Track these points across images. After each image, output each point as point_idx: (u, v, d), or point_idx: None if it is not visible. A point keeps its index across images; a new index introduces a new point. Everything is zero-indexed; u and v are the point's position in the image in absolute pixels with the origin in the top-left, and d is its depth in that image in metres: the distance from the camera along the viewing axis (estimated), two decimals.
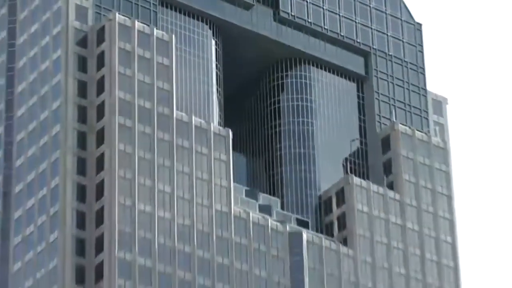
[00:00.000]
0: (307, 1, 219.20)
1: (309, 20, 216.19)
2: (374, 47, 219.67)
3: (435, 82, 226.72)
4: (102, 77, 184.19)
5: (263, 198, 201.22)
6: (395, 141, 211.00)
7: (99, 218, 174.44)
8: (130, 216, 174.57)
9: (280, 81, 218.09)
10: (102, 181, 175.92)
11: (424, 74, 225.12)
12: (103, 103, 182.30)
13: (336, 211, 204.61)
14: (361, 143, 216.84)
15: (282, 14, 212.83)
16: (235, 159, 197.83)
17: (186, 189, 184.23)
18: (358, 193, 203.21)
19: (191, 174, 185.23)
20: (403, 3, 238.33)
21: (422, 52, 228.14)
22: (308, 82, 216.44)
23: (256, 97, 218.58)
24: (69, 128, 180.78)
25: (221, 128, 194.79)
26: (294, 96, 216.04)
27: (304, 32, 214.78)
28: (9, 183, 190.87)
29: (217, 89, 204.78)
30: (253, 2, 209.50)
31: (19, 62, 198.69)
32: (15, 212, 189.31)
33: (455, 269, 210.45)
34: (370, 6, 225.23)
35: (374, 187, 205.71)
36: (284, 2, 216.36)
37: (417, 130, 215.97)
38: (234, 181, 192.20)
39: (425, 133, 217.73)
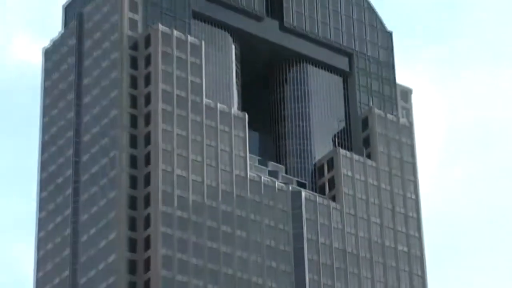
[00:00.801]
0: (304, 14, 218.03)
1: (306, 29, 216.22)
2: (356, 49, 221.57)
3: (403, 77, 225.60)
4: (149, 73, 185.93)
5: (271, 165, 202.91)
6: (372, 121, 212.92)
7: (147, 180, 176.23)
8: (170, 179, 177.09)
9: (284, 76, 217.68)
10: (149, 153, 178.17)
11: (394, 71, 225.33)
12: (149, 93, 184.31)
13: (327, 175, 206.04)
14: (346, 123, 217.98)
15: (285, 24, 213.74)
16: (250, 135, 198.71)
17: (213, 159, 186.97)
18: (343, 162, 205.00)
19: (217, 147, 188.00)
20: (378, 15, 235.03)
21: (392, 53, 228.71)
22: (305, 76, 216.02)
23: (266, 88, 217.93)
24: (124, 111, 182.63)
25: (239, 111, 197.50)
26: (295, 87, 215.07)
27: (302, 38, 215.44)
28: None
29: (236, 82, 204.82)
30: (263, 15, 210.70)
31: (86, 61, 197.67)
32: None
33: (418, 219, 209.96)
34: (353, 18, 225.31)
35: (356, 157, 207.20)
36: (287, 15, 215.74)
37: (389, 113, 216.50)
38: (249, 153, 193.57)
39: (395, 116, 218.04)
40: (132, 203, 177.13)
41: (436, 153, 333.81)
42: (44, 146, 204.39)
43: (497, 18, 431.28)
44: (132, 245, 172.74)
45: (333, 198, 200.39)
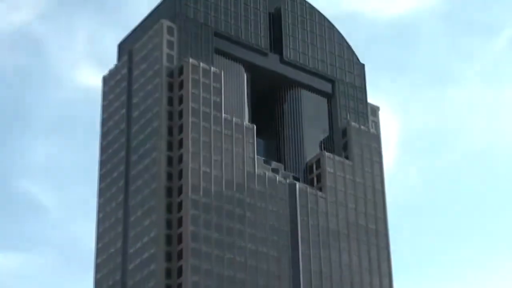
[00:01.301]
0: (299, 51, 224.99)
1: (300, 62, 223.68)
2: (338, 77, 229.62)
3: (373, 98, 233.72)
4: (181, 95, 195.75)
5: (274, 164, 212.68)
6: (349, 131, 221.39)
7: (180, 175, 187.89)
8: (197, 175, 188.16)
9: (283, 97, 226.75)
10: (181, 155, 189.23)
11: (366, 93, 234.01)
12: (181, 110, 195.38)
13: (315, 172, 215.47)
14: (330, 133, 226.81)
15: (285, 58, 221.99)
16: (257, 141, 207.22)
17: (229, 159, 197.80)
18: (328, 162, 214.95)
19: (232, 150, 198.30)
20: (354, 52, 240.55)
21: (365, 80, 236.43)
22: (299, 97, 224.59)
23: (269, 106, 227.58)
24: (163, 124, 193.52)
25: (249, 123, 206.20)
26: (291, 105, 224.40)
27: (297, 69, 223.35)
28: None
29: (247, 101, 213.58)
30: (268, 51, 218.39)
31: (134, 85, 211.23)
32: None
33: (383, 204, 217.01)
34: (335, 54, 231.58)
35: (337, 158, 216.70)
36: (286, 51, 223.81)
37: (362, 125, 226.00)
38: (257, 154, 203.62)
39: (366, 127, 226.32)
40: (169, 193, 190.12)
41: (396, 154, 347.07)
42: (103, 149, 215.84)
43: (443, 49, 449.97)
44: (169, 224, 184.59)
45: (320, 189, 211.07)
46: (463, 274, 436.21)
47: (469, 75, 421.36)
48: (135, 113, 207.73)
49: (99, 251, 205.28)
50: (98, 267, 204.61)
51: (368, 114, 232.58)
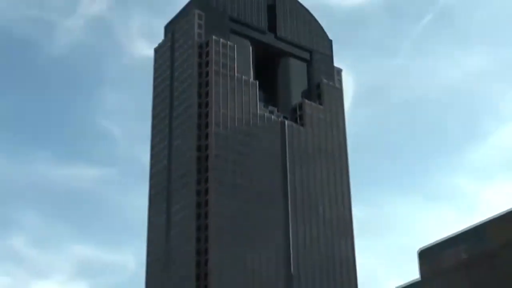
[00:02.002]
0: (287, 31, 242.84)
1: (288, 38, 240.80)
2: (314, 49, 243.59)
3: (337, 63, 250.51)
4: (207, 61, 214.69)
5: (270, 107, 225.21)
6: (322, 85, 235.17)
7: (206, 115, 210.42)
8: (218, 115, 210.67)
9: (277, 62, 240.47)
10: (207, 101, 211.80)
11: (332, 60, 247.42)
12: (207, 71, 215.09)
13: (298, 113, 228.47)
14: (308, 86, 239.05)
15: (278, 35, 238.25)
16: (259, 92, 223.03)
17: (240, 104, 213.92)
18: (307, 106, 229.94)
19: (242, 98, 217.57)
20: (325, 31, 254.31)
21: (332, 51, 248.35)
22: (288, 63, 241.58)
23: (269, 68, 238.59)
24: (194, 80, 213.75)
25: (254, 80, 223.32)
26: (283, 68, 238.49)
27: (286, 43, 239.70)
28: None
29: (252, 65, 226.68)
30: (266, 31, 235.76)
31: (176, 53, 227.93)
32: None
33: (344, 133, 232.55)
34: (312, 33, 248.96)
35: (313, 104, 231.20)
36: (279, 31, 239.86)
37: (330, 81, 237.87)
38: (259, 101, 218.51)
39: (333, 83, 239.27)
40: (199, 127, 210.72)
41: (353, 101, 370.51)
42: (155, 97, 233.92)
43: (384, 29, 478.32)
44: (199, 148, 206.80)
45: (302, 125, 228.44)
46: (404, 189, 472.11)
47: (403, 47, 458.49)
48: (176, 73, 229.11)
49: (152, 167, 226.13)
50: (152, 178, 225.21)
51: (334, 74, 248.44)
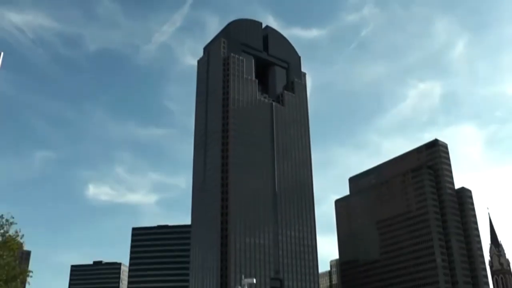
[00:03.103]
0: (273, 51, 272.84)
1: (275, 55, 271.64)
2: (290, 61, 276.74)
3: (304, 69, 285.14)
4: (228, 68, 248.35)
5: (264, 94, 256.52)
6: (295, 83, 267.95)
7: (227, 100, 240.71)
8: (233, 100, 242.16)
9: (268, 69, 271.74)
10: (228, 91, 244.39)
11: (300, 67, 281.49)
12: (228, 73, 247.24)
13: (281, 98, 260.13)
14: (286, 83, 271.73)
15: (269, 53, 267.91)
16: (258, 85, 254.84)
17: (246, 92, 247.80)
18: (286, 94, 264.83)
19: (248, 88, 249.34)
20: (296, 51, 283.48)
21: (300, 62, 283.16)
22: (274, 69, 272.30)
23: (263, 72, 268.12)
24: (219, 78, 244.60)
25: (255, 79, 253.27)
26: (272, 73, 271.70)
27: (273, 58, 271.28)
28: None
29: (254, 71, 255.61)
30: (262, 50, 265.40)
31: (210, 66, 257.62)
32: None
33: (307, 108, 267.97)
34: (289, 52, 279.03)
35: (289, 93, 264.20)
36: (269, 51, 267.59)
37: (298, 79, 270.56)
38: (257, 91, 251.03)
39: (301, 80, 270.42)
40: (223, 103, 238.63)
41: (312, 90, 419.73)
42: (198, 83, 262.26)
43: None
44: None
45: (283, 105, 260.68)
46: (343, 141, 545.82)
47: (340, 59, 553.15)
48: (210, 76, 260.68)
49: (196, 128, 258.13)
50: (195, 135, 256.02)
51: (301, 76, 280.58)
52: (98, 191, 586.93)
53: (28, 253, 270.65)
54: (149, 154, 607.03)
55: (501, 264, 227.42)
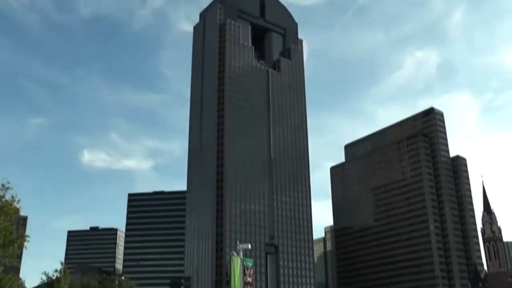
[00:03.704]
0: (271, 16, 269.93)
1: (272, 20, 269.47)
2: (286, 28, 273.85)
3: (300, 35, 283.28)
4: (225, 34, 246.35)
5: (260, 61, 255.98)
6: (291, 49, 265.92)
7: (223, 66, 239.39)
8: (229, 65, 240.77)
9: (265, 35, 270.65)
10: (224, 56, 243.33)
11: (297, 34, 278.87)
12: (225, 40, 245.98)
13: (277, 64, 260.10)
14: (283, 49, 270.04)
15: (266, 19, 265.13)
16: (254, 51, 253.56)
17: (242, 58, 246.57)
18: (282, 61, 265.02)
19: (244, 55, 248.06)
20: (293, 17, 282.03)
21: (297, 29, 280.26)
22: (271, 35, 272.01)
23: (260, 38, 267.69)
24: (216, 41, 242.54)
25: (251, 45, 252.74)
26: (268, 38, 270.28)
27: (271, 24, 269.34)
28: None
29: (251, 37, 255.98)
30: (259, 17, 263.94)
31: (206, 32, 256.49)
32: None
33: (303, 75, 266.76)
34: (285, 18, 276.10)
35: (286, 59, 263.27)
36: (266, 17, 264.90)
37: (295, 46, 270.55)
38: (254, 57, 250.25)
39: (297, 47, 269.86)
40: (220, 69, 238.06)
41: (309, 57, 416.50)
42: (194, 54, 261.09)
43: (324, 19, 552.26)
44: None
45: (279, 71, 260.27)
46: (337, 108, 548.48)
47: (336, 25, 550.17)
48: (206, 42, 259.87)
49: (192, 94, 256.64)
50: (191, 100, 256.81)
51: (298, 42, 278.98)
52: (94, 158, 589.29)
53: (24, 219, 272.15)
54: (144, 120, 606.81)
55: (493, 231, 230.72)
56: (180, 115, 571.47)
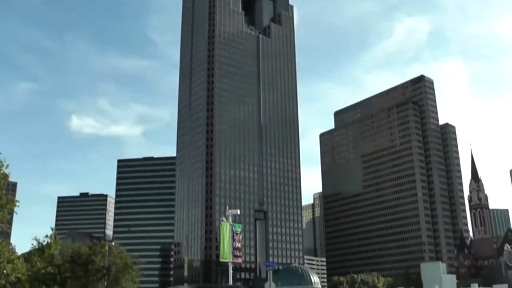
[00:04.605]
0: None
1: None
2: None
3: (291, 2, 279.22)
4: (219, 9, 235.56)
5: (250, 27, 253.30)
6: (282, 15, 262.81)
7: (213, 32, 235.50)
8: (221, 33, 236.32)
9: (255, 3, 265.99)
10: (215, 25, 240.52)
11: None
12: (220, 11, 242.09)
13: (267, 30, 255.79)
14: (273, 15, 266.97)
15: None
16: (244, 17, 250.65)
17: (233, 24, 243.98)
18: (273, 27, 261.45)
19: (234, 20, 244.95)
20: None
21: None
22: (261, 2, 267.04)
23: (251, 4, 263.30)
24: (206, 12, 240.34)
25: (242, 10, 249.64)
26: (258, 5, 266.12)
27: None
28: None
29: (241, 4, 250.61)
30: None
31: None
32: None
33: (294, 42, 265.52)
34: None
35: (276, 25, 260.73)
36: None
37: (286, 12, 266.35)
38: (244, 23, 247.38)
39: (288, 13, 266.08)
40: (209, 39, 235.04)
41: (300, 23, 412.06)
42: (183, 26, 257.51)
43: None
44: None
45: (269, 37, 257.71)
46: (326, 76, 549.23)
47: None
48: (195, 7, 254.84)
49: (181, 59, 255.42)
50: (180, 65, 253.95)
51: (288, 8, 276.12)
52: (82, 123, 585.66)
53: (14, 185, 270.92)
54: (133, 86, 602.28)
55: (479, 198, 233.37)
56: (169, 80, 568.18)
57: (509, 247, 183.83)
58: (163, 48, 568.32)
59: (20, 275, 58.48)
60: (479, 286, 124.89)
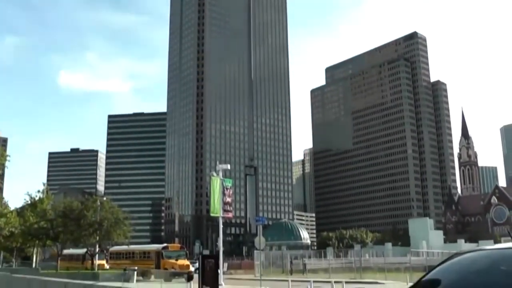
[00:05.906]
0: None
1: None
2: None
3: None
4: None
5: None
6: None
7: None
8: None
9: None
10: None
11: None
12: None
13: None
14: None
15: None
16: None
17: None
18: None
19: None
20: None
21: None
22: None
23: None
24: None
25: None
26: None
27: None
28: None
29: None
30: None
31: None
32: None
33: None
34: None
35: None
36: None
37: None
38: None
39: None
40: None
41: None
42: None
43: None
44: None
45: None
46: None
47: None
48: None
49: (171, 15, 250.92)
50: (170, 22, 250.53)
51: None
52: (71, 79, 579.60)
53: (5, 140, 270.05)
54: (123, 41, 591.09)
55: (469, 156, 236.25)
56: (159, 36, 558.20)
57: (496, 200, 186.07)
58: (153, 3, 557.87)
59: (13, 229, 60.53)
60: (465, 242, 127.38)
